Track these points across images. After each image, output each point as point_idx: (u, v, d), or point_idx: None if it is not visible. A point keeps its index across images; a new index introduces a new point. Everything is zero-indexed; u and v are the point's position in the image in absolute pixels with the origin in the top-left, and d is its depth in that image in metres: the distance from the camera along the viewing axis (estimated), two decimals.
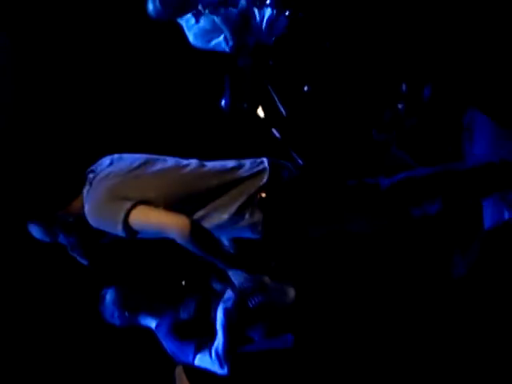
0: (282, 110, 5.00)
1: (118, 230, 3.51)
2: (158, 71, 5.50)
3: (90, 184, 3.62)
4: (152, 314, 4.39)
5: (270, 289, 4.25)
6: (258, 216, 3.54)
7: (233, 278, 4.01)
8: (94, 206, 3.56)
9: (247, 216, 3.55)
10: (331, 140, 4.99)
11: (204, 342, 4.29)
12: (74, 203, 3.64)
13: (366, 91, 4.87)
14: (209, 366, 4.30)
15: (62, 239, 3.71)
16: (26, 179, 4.07)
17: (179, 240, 3.51)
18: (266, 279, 4.24)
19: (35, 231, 3.70)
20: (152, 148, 3.73)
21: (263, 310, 4.28)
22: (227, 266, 3.69)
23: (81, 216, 3.61)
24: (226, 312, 4.20)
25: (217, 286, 4.37)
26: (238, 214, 3.55)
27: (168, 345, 4.31)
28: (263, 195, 3.53)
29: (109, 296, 4.42)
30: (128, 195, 3.52)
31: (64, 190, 3.66)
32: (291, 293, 4.36)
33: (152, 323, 4.39)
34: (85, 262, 3.75)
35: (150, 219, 3.51)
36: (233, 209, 3.54)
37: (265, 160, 3.64)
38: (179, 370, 4.03)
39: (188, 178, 3.60)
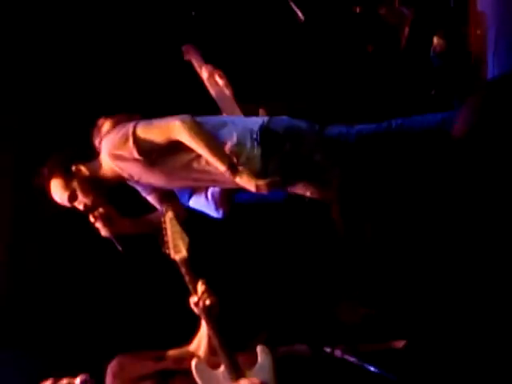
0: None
1: (130, 147, 3.87)
2: None
3: None
4: None
5: None
6: (257, 150, 3.87)
7: None
8: (109, 134, 4.04)
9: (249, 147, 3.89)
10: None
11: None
12: (93, 164, 4.03)
13: None
14: (204, 209, 4.26)
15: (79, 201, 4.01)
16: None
17: (183, 134, 3.82)
18: None
19: (55, 188, 4.00)
20: None
21: None
22: (230, 172, 3.80)
23: (97, 177, 4.01)
24: None
25: None
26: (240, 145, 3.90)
27: None
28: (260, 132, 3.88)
29: None
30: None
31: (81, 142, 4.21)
32: None
33: None
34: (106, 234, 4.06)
35: (153, 123, 3.92)
36: (234, 139, 3.90)
37: None
38: (169, 213, 3.87)
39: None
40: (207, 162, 3.87)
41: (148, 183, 4.08)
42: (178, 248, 3.67)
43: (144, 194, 4.20)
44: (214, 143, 3.86)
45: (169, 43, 5.23)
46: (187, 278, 3.68)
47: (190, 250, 3.67)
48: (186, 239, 3.69)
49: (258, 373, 3.71)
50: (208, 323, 3.67)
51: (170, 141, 3.88)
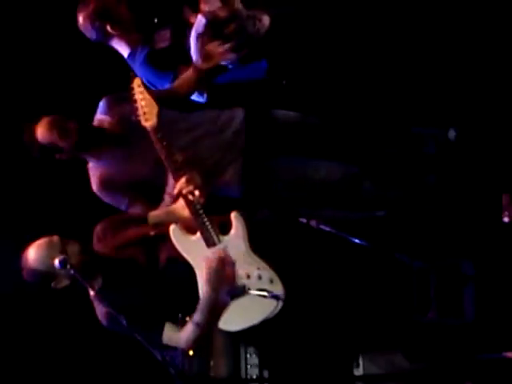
0: None
1: None
2: None
3: None
4: (126, 42, 4.34)
5: (243, 16, 4.20)
6: None
7: None
8: None
9: None
10: None
11: None
12: None
13: None
14: None
15: None
16: None
17: None
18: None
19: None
20: None
21: (236, 37, 4.23)
22: None
23: None
24: (198, 36, 4.16)
25: None
26: None
27: (144, 74, 4.28)
28: None
29: None
30: None
31: None
32: (266, 20, 4.28)
33: (125, 52, 4.35)
34: None
35: None
36: None
37: None
38: (137, 81, 3.92)
39: None
40: None
41: None
42: (147, 115, 3.78)
43: None
44: None
45: None
46: (162, 152, 3.80)
47: (159, 117, 3.78)
48: (156, 107, 3.79)
49: (232, 238, 3.85)
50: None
51: None
